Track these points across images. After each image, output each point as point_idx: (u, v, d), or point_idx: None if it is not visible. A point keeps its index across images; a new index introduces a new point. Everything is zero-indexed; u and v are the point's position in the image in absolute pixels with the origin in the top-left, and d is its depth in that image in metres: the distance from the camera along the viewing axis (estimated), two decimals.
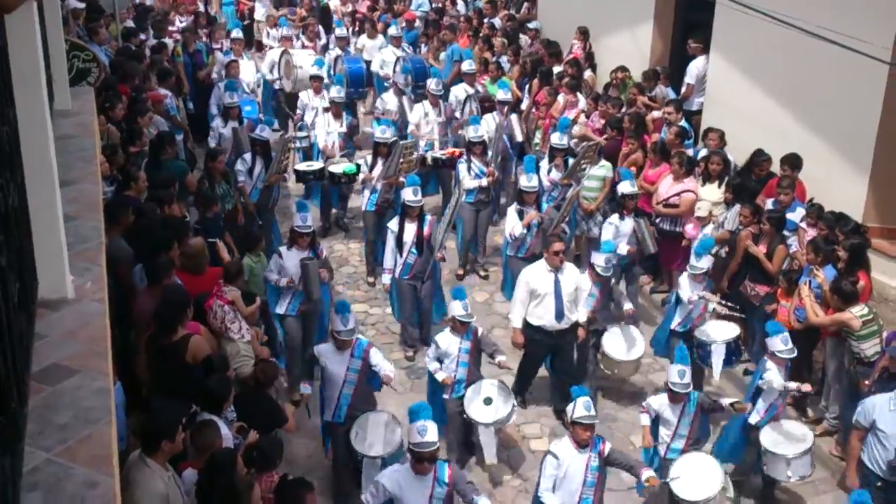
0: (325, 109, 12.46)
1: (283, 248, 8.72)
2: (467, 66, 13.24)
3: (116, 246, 7.01)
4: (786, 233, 9.14)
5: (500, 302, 10.68)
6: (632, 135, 11.09)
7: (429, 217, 9.60)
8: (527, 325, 8.51)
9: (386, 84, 14.47)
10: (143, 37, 14.59)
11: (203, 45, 14.98)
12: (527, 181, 9.80)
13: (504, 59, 14.43)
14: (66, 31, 8.31)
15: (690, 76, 12.31)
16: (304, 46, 15.82)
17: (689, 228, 10.08)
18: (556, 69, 13.46)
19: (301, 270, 8.45)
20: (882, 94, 9.02)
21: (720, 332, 8.58)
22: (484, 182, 10.79)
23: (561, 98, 12.49)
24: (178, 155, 10.68)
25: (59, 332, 4.02)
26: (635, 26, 13.73)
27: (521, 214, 9.69)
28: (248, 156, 10.56)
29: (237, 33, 14.98)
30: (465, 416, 7.72)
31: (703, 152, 10.81)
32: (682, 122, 11.25)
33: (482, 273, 11.38)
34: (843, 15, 8.49)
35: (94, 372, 3.78)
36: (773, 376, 7.42)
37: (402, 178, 10.88)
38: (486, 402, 7.69)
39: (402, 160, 10.75)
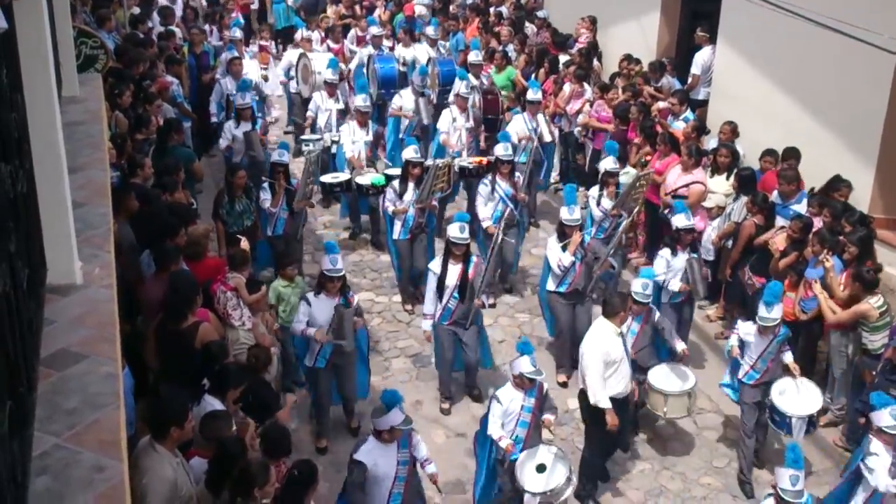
0: (340, 112, 12.09)
1: (310, 295, 7.85)
2: (474, 56, 13.03)
3: (119, 232, 7.02)
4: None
5: (507, 303, 10.67)
6: (641, 127, 11.09)
7: (475, 258, 8.61)
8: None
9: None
10: (150, 24, 14.51)
11: (210, 47, 14.38)
12: (568, 214, 8.74)
13: (511, 48, 14.38)
14: (73, 17, 8.30)
15: (696, 67, 12.27)
16: (329, 49, 15.09)
17: (697, 220, 10.05)
18: (563, 58, 13.42)
19: (334, 317, 7.68)
20: (889, 84, 9.00)
21: (800, 401, 7.57)
22: (500, 208, 9.90)
23: (567, 87, 12.46)
24: (185, 142, 10.69)
25: (67, 318, 4.04)
26: (642, 16, 13.70)
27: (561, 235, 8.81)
28: (267, 185, 9.77)
29: (238, 33, 14.62)
30: (515, 482, 6.84)
31: (711, 143, 10.79)
32: (688, 113, 11.24)
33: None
34: (851, 5, 8.46)
35: (103, 357, 3.80)
36: (880, 464, 6.25)
37: (433, 202, 10.21)
38: (539, 470, 6.79)
39: (435, 181, 9.88)
